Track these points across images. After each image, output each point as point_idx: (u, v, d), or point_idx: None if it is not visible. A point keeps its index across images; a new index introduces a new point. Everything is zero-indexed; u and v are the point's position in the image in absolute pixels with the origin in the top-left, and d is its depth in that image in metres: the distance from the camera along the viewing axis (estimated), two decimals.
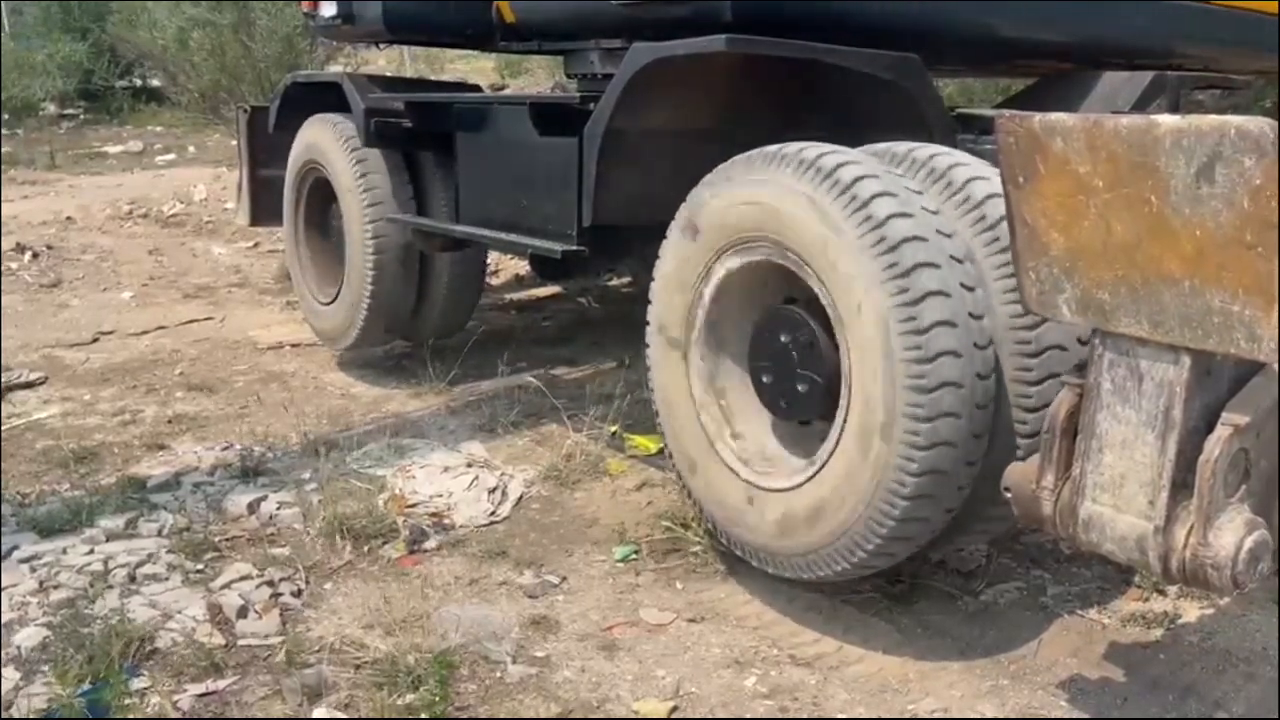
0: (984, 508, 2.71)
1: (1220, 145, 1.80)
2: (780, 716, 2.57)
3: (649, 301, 3.24)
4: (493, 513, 3.65)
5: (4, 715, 2.51)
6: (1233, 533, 2.00)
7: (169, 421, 4.57)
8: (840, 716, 2.57)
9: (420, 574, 3.23)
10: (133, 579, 3.14)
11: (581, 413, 4.28)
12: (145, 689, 2.62)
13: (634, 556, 3.35)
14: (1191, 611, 2.98)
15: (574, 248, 3.75)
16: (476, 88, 5.88)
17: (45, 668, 2.69)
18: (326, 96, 4.99)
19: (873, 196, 2.60)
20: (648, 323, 3.25)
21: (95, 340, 5.91)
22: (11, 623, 2.89)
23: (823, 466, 2.74)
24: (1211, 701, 2.61)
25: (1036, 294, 2.18)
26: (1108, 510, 2.14)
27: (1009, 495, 2.38)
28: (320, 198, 5.25)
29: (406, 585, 3.16)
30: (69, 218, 8.99)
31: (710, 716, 2.58)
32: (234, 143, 7.33)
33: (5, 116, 14.57)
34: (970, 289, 2.57)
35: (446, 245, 4.74)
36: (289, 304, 6.47)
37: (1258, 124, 1.76)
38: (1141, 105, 3.49)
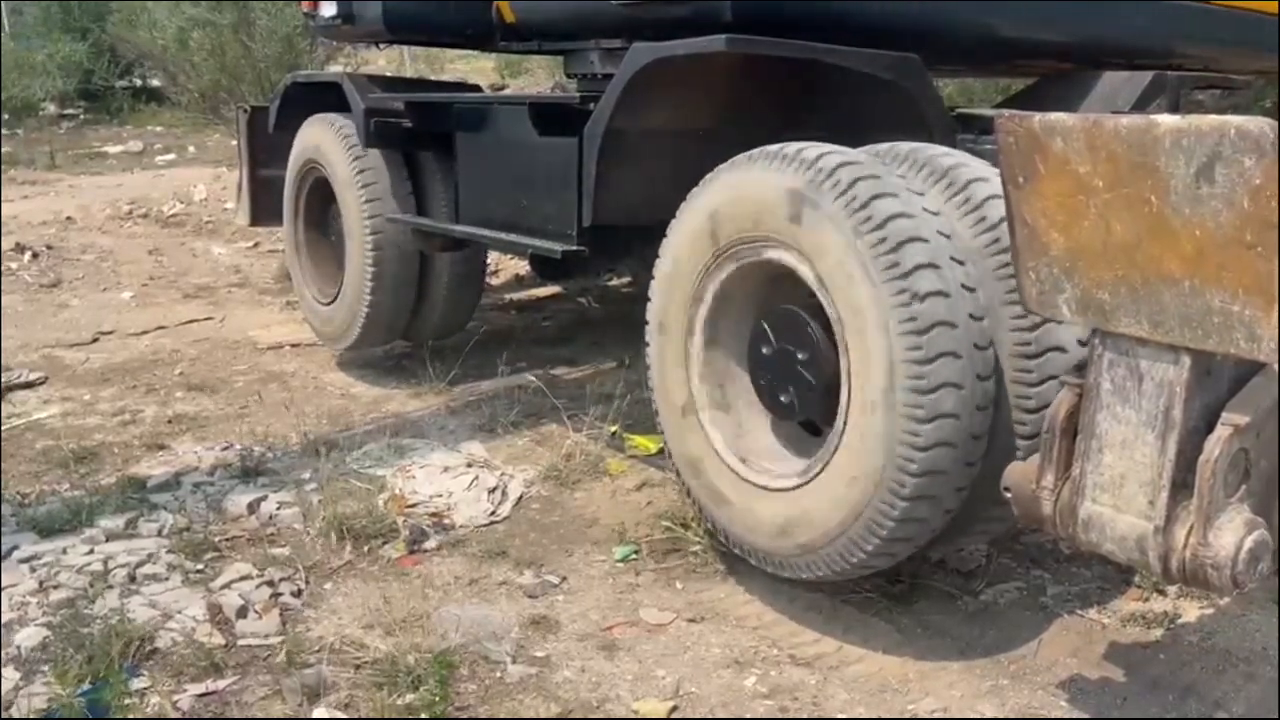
0: (984, 508, 2.71)
1: (1220, 145, 1.80)
2: (780, 716, 2.57)
3: (649, 301, 3.24)
4: (493, 513, 3.66)
5: (4, 715, 2.51)
6: (1233, 533, 2.00)
7: (169, 421, 4.57)
8: (840, 716, 2.58)
9: (420, 574, 3.23)
10: (133, 579, 3.14)
11: (581, 413, 4.28)
12: (145, 689, 2.62)
13: (634, 556, 3.35)
14: (1191, 611, 2.98)
15: (574, 248, 3.75)
16: (476, 88, 5.88)
17: (45, 668, 2.69)
18: (326, 96, 4.99)
19: (874, 197, 2.59)
20: (647, 322, 3.25)
21: (95, 340, 5.91)
22: (11, 623, 2.89)
23: (823, 467, 2.74)
24: (1211, 701, 2.61)
25: (1036, 294, 2.18)
26: (1108, 510, 2.14)
27: (1009, 495, 2.38)
28: (320, 198, 5.25)
29: (406, 585, 3.16)
30: (69, 218, 8.99)
31: (710, 716, 2.58)
32: (234, 143, 7.33)
33: (5, 116, 14.57)
34: (971, 290, 2.57)
35: (446, 245, 4.74)
36: (289, 304, 6.47)
37: (1258, 124, 1.76)
38: (1141, 105, 3.49)
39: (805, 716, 2.57)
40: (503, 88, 12.51)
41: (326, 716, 2.53)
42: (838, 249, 2.62)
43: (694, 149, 3.32)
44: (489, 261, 5.88)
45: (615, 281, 6.75)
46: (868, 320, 2.56)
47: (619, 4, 3.65)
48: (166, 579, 3.15)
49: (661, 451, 3.58)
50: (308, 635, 2.89)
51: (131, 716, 2.52)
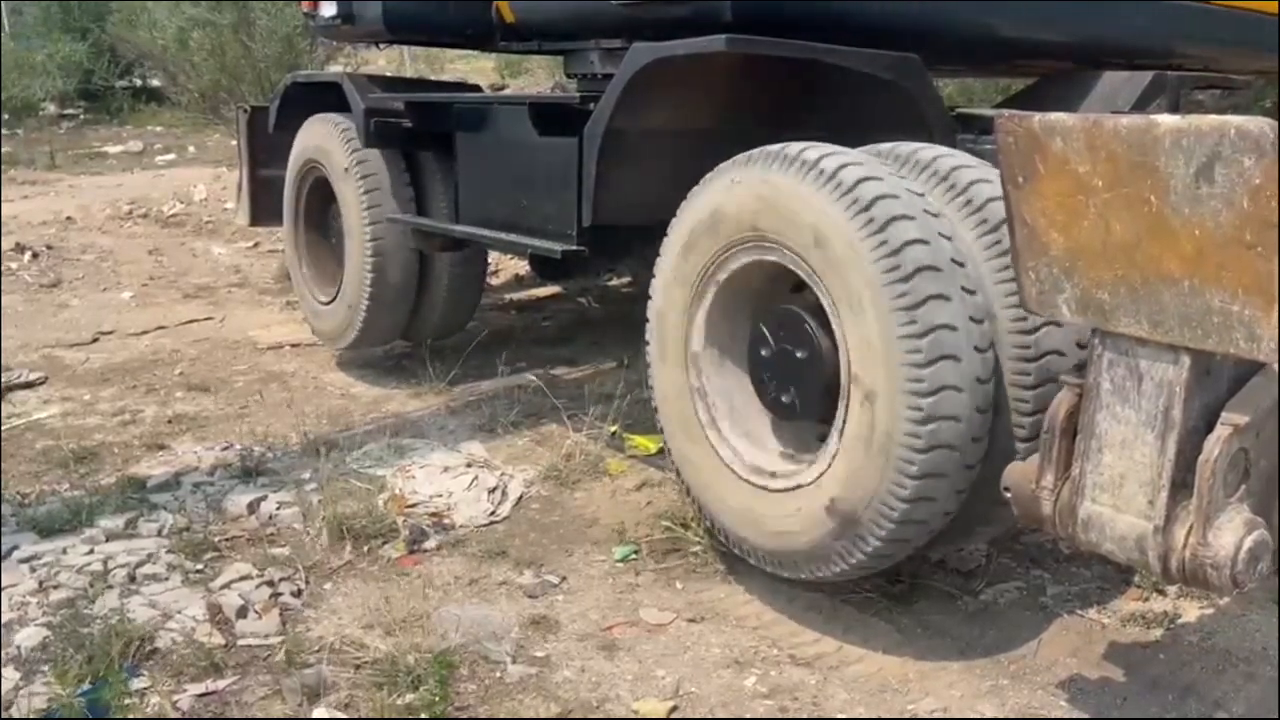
0: (983, 509, 2.71)
1: (1220, 145, 1.80)
2: (780, 716, 2.57)
3: (649, 300, 3.24)
4: (493, 513, 3.66)
5: (4, 715, 2.51)
6: (1232, 532, 2.00)
7: (169, 421, 4.57)
8: (840, 716, 2.58)
9: (420, 574, 3.23)
10: (133, 579, 3.14)
11: (581, 413, 4.28)
12: (145, 689, 2.62)
13: (634, 556, 3.35)
14: (1191, 611, 2.98)
15: (574, 248, 3.75)
16: (476, 88, 5.88)
17: (45, 668, 2.69)
18: (326, 96, 4.99)
19: (875, 199, 2.59)
20: (647, 321, 3.25)
21: (95, 340, 5.91)
22: (11, 623, 2.89)
23: (823, 468, 2.73)
24: (1211, 701, 2.61)
25: (1036, 294, 2.18)
26: (1107, 510, 2.14)
27: (1009, 495, 2.38)
28: (320, 198, 5.25)
29: (406, 585, 3.16)
30: (69, 218, 8.99)
31: (710, 716, 2.58)
32: (234, 143, 7.33)
33: (5, 116, 14.57)
34: (971, 292, 2.57)
35: (446, 245, 4.74)
36: (289, 304, 6.47)
37: (1258, 124, 1.76)
38: (1141, 105, 3.49)
39: (805, 716, 2.57)
40: (503, 88, 12.51)
41: (326, 716, 2.53)
42: (838, 249, 2.62)
43: (694, 149, 3.32)
44: (489, 261, 5.88)
45: (615, 281, 6.74)
46: (868, 321, 2.56)
47: (619, 4, 3.65)
48: (166, 579, 3.15)
49: (661, 451, 3.58)
50: (308, 635, 2.89)
51: (131, 716, 2.52)
